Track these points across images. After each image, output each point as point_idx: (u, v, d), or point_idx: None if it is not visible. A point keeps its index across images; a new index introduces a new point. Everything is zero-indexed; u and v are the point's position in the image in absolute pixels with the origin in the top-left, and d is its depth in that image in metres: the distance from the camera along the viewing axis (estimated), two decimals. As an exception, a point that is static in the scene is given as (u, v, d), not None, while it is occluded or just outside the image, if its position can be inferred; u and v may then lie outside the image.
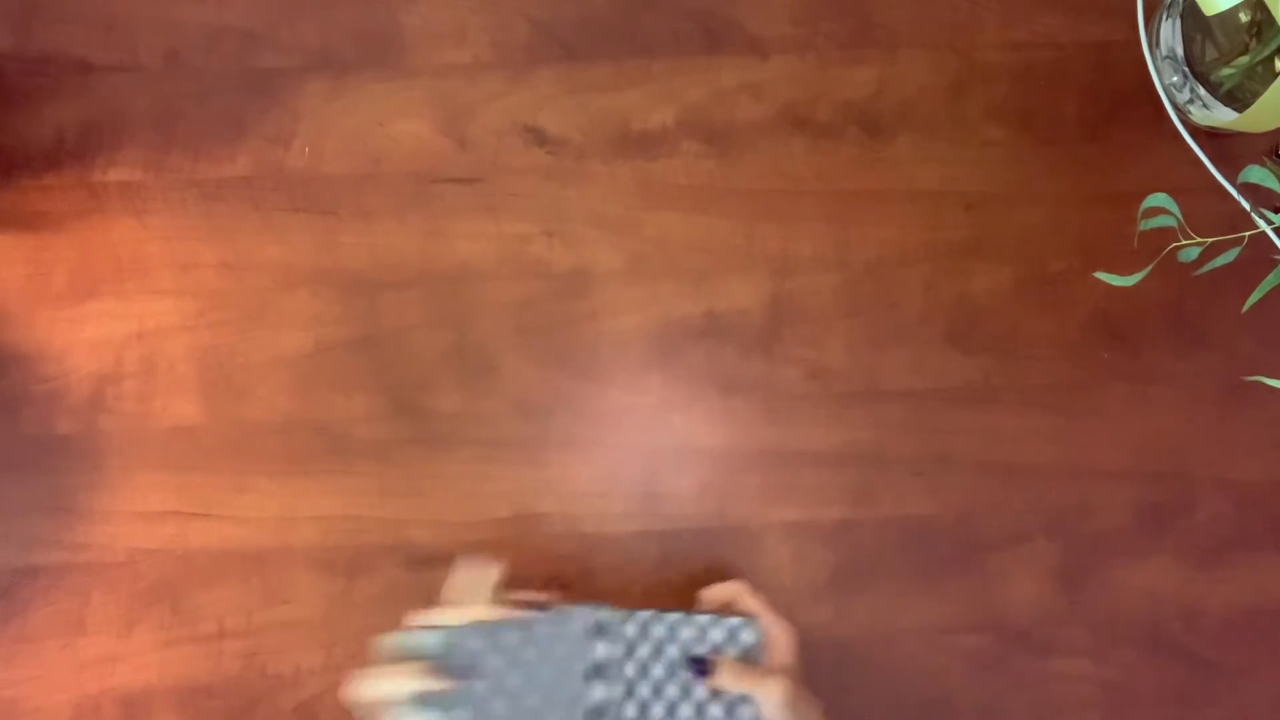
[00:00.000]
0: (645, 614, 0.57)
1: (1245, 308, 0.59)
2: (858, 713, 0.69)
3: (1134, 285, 0.60)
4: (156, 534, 0.67)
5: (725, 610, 0.60)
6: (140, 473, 0.68)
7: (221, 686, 0.67)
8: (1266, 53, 0.63)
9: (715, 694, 0.56)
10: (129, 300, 0.69)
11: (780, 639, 0.58)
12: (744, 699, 0.56)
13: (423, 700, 0.50)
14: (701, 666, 0.56)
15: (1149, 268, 0.60)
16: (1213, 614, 0.71)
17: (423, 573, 0.68)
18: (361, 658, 0.67)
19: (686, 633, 0.57)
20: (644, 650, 0.56)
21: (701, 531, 0.69)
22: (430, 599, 0.68)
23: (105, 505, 0.67)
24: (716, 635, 0.57)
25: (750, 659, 0.57)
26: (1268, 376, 0.59)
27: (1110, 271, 0.62)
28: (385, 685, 0.49)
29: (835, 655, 0.69)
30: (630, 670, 0.56)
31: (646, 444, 0.70)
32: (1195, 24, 0.68)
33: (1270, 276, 0.58)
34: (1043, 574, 0.70)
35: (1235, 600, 0.71)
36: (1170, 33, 0.70)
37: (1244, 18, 0.65)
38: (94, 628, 0.67)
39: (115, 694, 0.66)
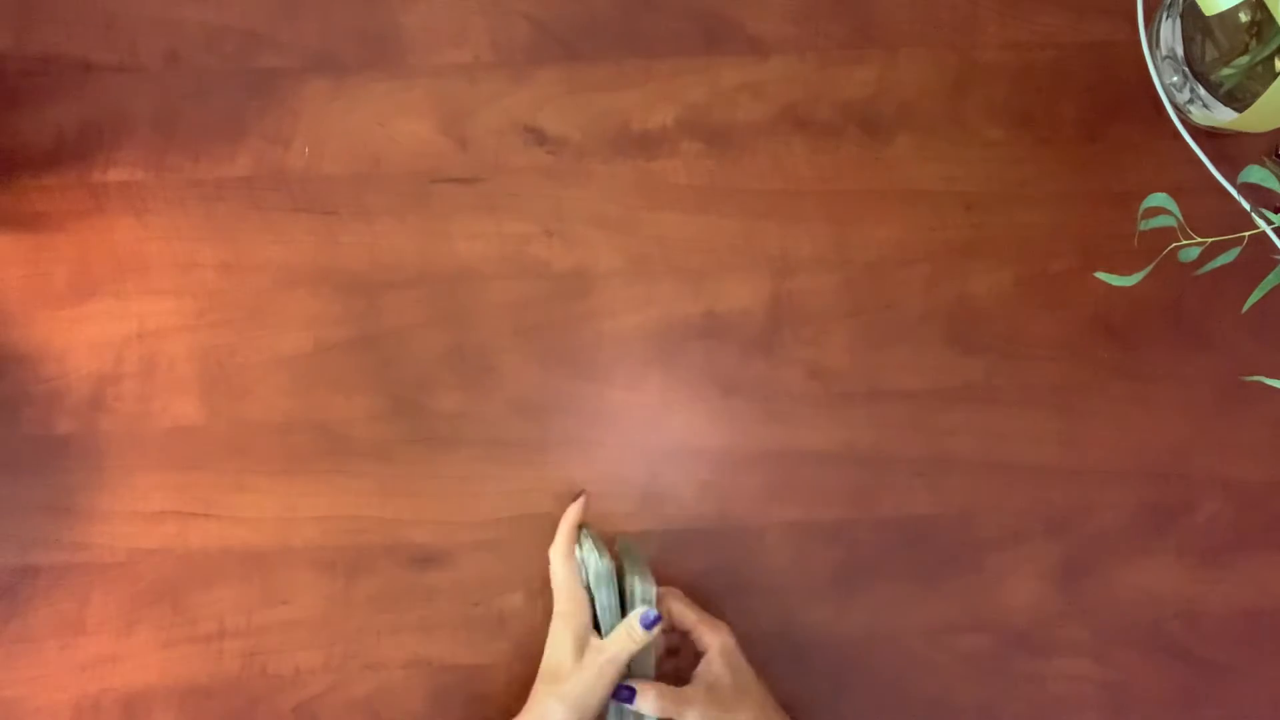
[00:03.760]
0: None
1: (1245, 308, 0.58)
2: (858, 713, 0.69)
3: (1134, 285, 0.60)
4: (156, 534, 0.67)
5: (673, 630, 0.64)
6: (140, 473, 0.68)
7: (221, 686, 0.67)
8: (1266, 53, 0.63)
9: None
10: (129, 300, 0.69)
11: (711, 647, 0.61)
12: None
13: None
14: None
15: (1149, 268, 0.60)
16: (1213, 614, 0.71)
17: (423, 573, 0.68)
18: (361, 658, 0.67)
19: None
20: None
21: (701, 531, 0.69)
22: (430, 599, 0.68)
23: (105, 505, 0.67)
24: None
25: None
26: (1268, 376, 0.59)
27: (1110, 271, 0.62)
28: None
29: (835, 655, 0.69)
30: None
31: (646, 444, 0.70)
32: (1195, 24, 0.68)
33: (1270, 276, 0.58)
34: (1043, 574, 0.70)
35: (1235, 600, 0.71)
36: (1170, 33, 0.70)
37: (1244, 18, 0.65)
38: (94, 628, 0.67)
39: (115, 694, 0.66)
